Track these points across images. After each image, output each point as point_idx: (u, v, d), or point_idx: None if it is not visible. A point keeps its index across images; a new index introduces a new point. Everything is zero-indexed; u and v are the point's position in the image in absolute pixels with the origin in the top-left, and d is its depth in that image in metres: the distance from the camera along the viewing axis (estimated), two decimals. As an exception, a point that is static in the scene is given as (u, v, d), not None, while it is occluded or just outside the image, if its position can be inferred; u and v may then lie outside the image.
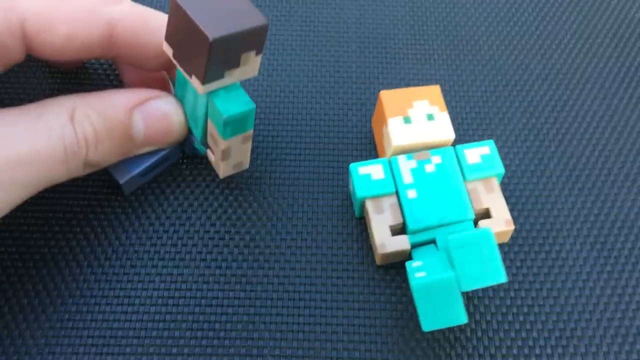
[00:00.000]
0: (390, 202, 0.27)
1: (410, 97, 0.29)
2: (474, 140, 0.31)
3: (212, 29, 0.22)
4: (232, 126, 0.25)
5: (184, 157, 0.29)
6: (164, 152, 0.27)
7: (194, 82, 0.24)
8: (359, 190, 0.27)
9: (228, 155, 0.26)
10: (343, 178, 0.29)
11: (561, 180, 0.30)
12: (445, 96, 0.32)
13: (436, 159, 0.27)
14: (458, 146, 0.28)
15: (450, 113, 0.32)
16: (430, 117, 0.28)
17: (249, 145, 0.27)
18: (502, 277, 0.23)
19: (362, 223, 0.28)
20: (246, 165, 0.28)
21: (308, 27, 0.34)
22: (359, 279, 0.27)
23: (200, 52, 0.22)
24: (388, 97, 0.29)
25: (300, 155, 0.30)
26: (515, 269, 0.27)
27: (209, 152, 0.27)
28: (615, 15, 0.36)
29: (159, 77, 0.29)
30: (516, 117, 0.32)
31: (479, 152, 0.27)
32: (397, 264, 0.27)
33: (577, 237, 0.28)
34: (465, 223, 0.26)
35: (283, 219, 0.28)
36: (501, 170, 0.27)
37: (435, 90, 0.29)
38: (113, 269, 0.26)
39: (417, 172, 0.27)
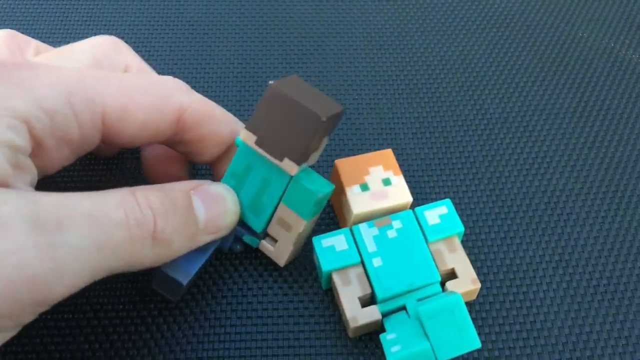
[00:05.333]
0: (356, 272, 0.26)
1: (365, 163, 0.29)
2: (433, 199, 0.31)
3: (319, 110, 0.23)
4: (317, 205, 0.26)
5: None
6: (212, 248, 0.26)
7: (286, 164, 0.24)
8: (324, 263, 0.26)
9: (299, 239, 0.27)
10: (306, 249, 0.29)
11: (522, 228, 0.30)
12: (401, 156, 0.32)
13: (397, 224, 0.27)
14: (417, 208, 0.28)
15: (405, 175, 0.32)
16: (386, 182, 0.28)
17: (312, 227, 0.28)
18: (476, 343, 0.22)
19: (328, 294, 0.28)
20: (300, 249, 0.28)
21: (260, 96, 0.35)
22: (336, 355, 0.26)
23: (302, 133, 0.24)
24: (344, 165, 0.29)
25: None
26: (487, 327, 0.27)
27: (264, 242, 0.27)
28: (569, 56, 0.37)
29: (181, 166, 0.29)
30: (475, 169, 0.32)
31: (437, 213, 0.28)
32: (369, 333, 0.27)
33: (545, 289, 0.28)
34: (433, 286, 0.26)
35: (250, 296, 0.27)
36: (460, 228, 0.27)
37: (387, 154, 0.29)
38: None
39: (379, 239, 0.27)
